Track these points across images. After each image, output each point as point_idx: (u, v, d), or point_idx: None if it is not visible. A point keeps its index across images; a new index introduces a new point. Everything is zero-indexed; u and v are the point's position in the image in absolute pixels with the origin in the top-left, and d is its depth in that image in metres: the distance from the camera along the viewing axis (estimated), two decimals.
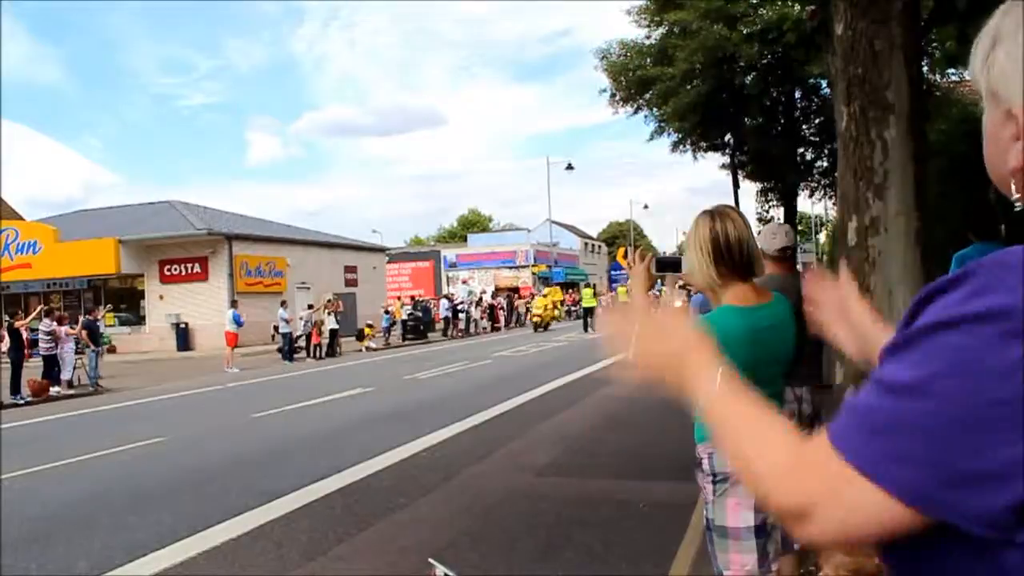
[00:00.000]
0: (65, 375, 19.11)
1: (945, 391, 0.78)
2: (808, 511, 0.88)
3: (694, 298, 9.19)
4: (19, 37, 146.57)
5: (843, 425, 0.87)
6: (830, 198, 28.69)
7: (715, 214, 2.85)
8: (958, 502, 0.78)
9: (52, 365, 18.79)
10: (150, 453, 10.13)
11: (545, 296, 40.12)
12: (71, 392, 18.82)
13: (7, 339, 18.28)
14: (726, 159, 24.22)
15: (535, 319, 37.17)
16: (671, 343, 1.18)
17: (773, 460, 0.93)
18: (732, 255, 2.77)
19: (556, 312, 41.18)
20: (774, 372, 2.86)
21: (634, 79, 21.55)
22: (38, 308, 19.70)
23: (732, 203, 13.82)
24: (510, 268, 61.22)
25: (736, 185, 24.72)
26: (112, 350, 25.94)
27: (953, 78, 17.86)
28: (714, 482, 2.87)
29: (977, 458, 0.76)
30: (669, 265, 3.20)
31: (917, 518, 0.81)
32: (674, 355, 1.17)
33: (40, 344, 18.77)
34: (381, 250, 47.36)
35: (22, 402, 17.33)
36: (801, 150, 23.44)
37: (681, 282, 3.62)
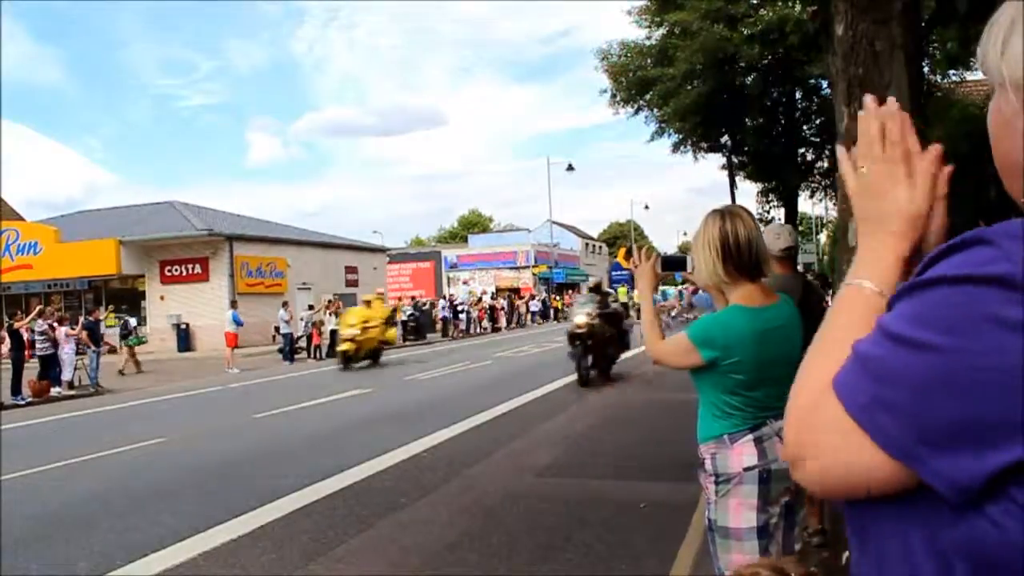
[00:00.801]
0: (66, 376, 19.12)
1: (934, 347, 0.78)
2: (804, 454, 0.89)
3: (699, 296, 9.18)
4: (20, 38, 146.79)
5: (844, 369, 0.88)
6: (831, 199, 28.69)
7: (725, 213, 2.85)
8: (933, 462, 0.78)
9: (48, 366, 18.79)
10: (151, 453, 10.13)
11: (367, 307, 23.52)
12: (72, 393, 18.82)
13: (7, 340, 18.29)
14: (726, 159, 24.20)
15: (346, 347, 21.99)
16: (887, 204, 1.02)
17: (797, 398, 0.94)
18: (741, 255, 2.77)
19: (384, 333, 23.59)
20: (782, 373, 2.86)
21: (635, 80, 21.53)
22: (36, 309, 19.70)
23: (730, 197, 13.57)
24: (511, 269, 61.25)
25: (733, 186, 24.71)
26: (113, 351, 25.93)
27: (954, 79, 17.89)
28: (716, 483, 2.87)
29: (956, 419, 0.76)
30: (675, 264, 3.20)
31: (902, 473, 0.81)
32: (878, 216, 1.03)
33: (36, 345, 18.78)
34: (382, 251, 47.41)
35: (23, 403, 17.33)
36: (802, 151, 23.42)
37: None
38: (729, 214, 2.85)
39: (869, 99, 1.07)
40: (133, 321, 26.43)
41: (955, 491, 0.77)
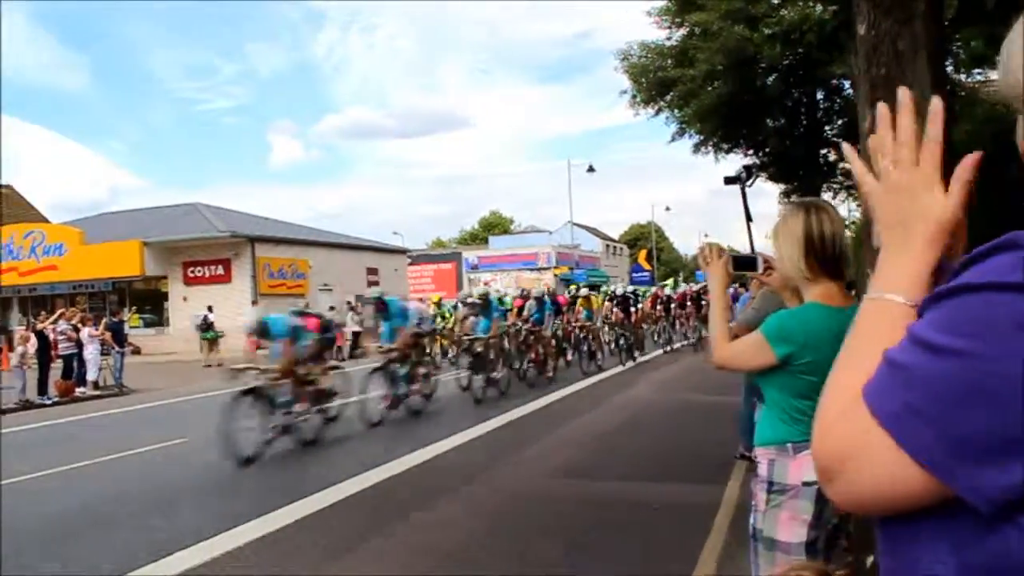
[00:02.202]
0: (91, 376, 19.30)
1: (960, 352, 0.77)
2: (833, 467, 0.87)
3: (743, 297, 9.01)
4: (48, 44, 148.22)
5: (874, 377, 0.85)
6: (853, 199, 28.46)
7: (810, 207, 2.75)
8: (963, 472, 0.76)
9: (71, 366, 18.97)
10: (173, 454, 10.21)
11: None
12: (97, 393, 19.00)
13: (34, 340, 18.50)
14: (748, 160, 24.08)
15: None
16: (917, 208, 0.96)
17: (825, 410, 0.91)
18: (825, 250, 2.65)
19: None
20: None
21: (655, 80, 21.43)
22: (59, 311, 19.95)
23: (742, 206, 13.26)
24: (532, 270, 61.19)
25: (744, 190, 24.57)
26: (137, 351, 26.19)
27: (979, 78, 17.72)
28: (769, 491, 2.75)
29: (985, 428, 0.75)
30: (745, 264, 3.06)
31: (932, 484, 0.79)
32: (904, 221, 0.97)
33: (59, 345, 18.98)
34: (403, 252, 47.51)
35: (49, 403, 17.53)
36: (824, 151, 23.25)
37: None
38: (815, 208, 2.74)
39: (905, 94, 1.01)
40: (212, 316, 26.88)
41: (986, 502, 0.76)
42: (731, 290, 29.54)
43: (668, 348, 24.65)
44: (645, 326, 25.03)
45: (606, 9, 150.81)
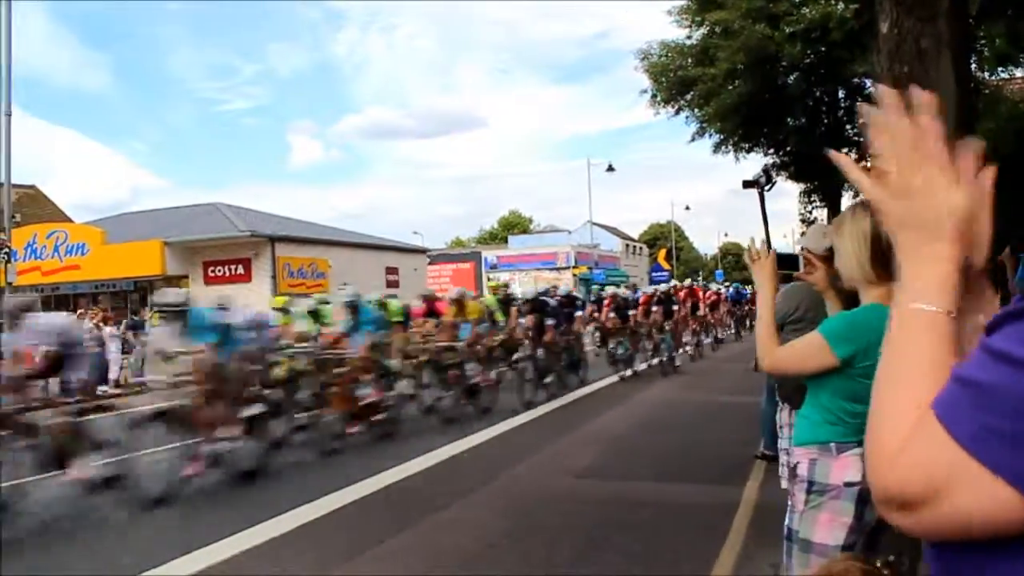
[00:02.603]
0: (112, 374, 19.47)
1: None
2: (902, 494, 0.81)
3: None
4: (71, 44, 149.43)
5: (946, 397, 0.80)
6: None
7: None
8: None
9: (95, 364, 19.13)
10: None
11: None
12: (118, 392, 19.15)
13: None
14: (768, 159, 23.95)
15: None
16: (933, 207, 0.91)
17: (883, 433, 0.85)
18: (892, 253, 2.55)
19: None
20: None
21: (675, 80, 21.38)
22: (79, 311, 20.18)
23: (760, 208, 12.94)
24: (551, 270, 61.14)
25: (763, 194, 24.42)
26: None
27: (1003, 76, 17.56)
28: (808, 491, 2.70)
29: None
30: (786, 263, 2.98)
31: (1022, 504, 0.73)
32: (921, 222, 0.92)
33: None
34: (422, 251, 47.56)
35: (72, 401, 17.64)
36: (845, 150, 23.09)
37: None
38: None
39: (886, 91, 0.94)
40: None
41: None
42: (731, 290, 28.35)
43: (654, 364, 18.32)
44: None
45: (624, 9, 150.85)
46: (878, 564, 1.23)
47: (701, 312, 24.30)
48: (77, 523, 6.90)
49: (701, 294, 25.34)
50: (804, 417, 2.80)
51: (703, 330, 23.98)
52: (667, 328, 18.55)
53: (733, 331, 30.67)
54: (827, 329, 2.67)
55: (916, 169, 0.92)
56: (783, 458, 4.78)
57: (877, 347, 0.87)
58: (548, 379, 13.78)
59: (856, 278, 2.66)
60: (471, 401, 12.16)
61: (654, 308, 18.52)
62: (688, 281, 27.00)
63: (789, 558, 2.76)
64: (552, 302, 15.06)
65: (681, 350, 20.11)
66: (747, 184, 14.24)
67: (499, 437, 10.37)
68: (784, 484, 4.78)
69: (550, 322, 14.12)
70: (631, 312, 18.04)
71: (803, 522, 2.70)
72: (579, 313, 16.67)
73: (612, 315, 17.73)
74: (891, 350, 0.91)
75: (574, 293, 19.90)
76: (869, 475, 0.86)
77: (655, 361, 18.21)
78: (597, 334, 20.04)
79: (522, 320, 14.24)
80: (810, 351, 2.69)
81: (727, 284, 38.55)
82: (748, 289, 37.96)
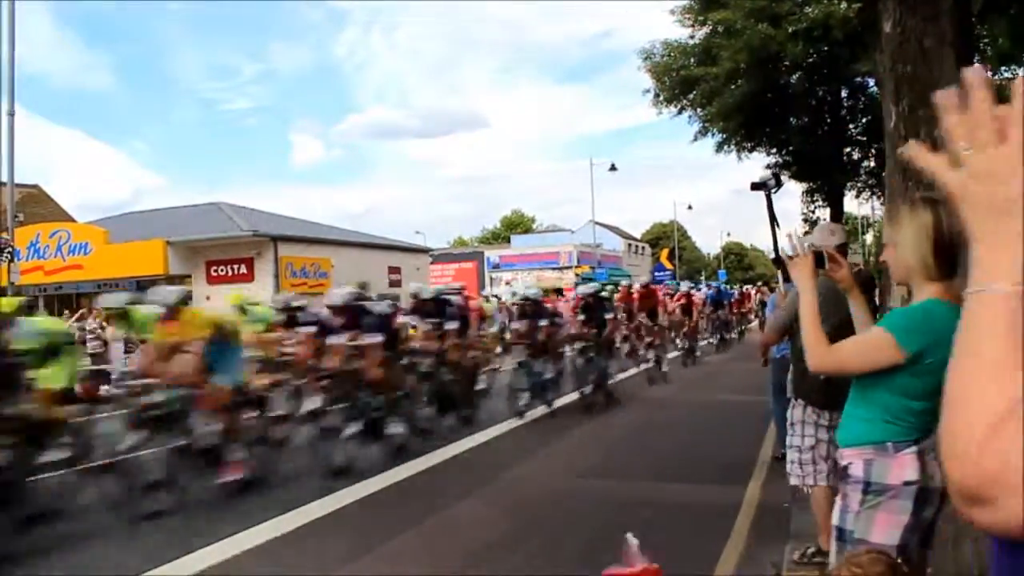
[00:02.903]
0: (115, 374, 19.48)
1: None
2: (994, 492, 0.77)
3: (770, 300, 8.82)
4: (73, 44, 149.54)
5: None
6: (877, 198, 28.26)
7: (940, 201, 2.52)
8: None
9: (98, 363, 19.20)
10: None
11: None
12: (119, 392, 19.15)
13: None
14: (771, 159, 23.95)
15: None
16: (1014, 188, 0.87)
17: (970, 427, 0.81)
18: (954, 249, 2.50)
19: None
20: None
21: (678, 79, 21.39)
22: (81, 311, 20.23)
23: (768, 211, 12.76)
24: (553, 269, 61.15)
25: (770, 196, 24.41)
26: None
27: (1006, 75, 17.53)
28: (866, 491, 2.66)
29: None
30: (818, 259, 2.91)
31: None
32: (1002, 204, 0.88)
33: (87, 343, 19.18)
34: (425, 251, 47.62)
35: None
36: (848, 150, 23.11)
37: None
38: (945, 203, 2.65)
39: (977, 71, 0.92)
40: None
41: None
42: (711, 291, 26.84)
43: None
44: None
45: (627, 9, 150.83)
46: (902, 565, 1.20)
47: (661, 319, 18.89)
48: (77, 523, 6.89)
49: (659, 295, 19.94)
50: (855, 417, 2.74)
51: (659, 343, 17.55)
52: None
53: (715, 340, 24.61)
54: (893, 325, 2.60)
55: (989, 152, 0.89)
56: (791, 455, 4.75)
57: (944, 343, 0.84)
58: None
59: (915, 272, 2.60)
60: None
61: (580, 317, 13.41)
62: (644, 279, 23.44)
63: (840, 557, 2.69)
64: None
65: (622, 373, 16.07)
66: (755, 186, 14.09)
67: (500, 436, 10.36)
68: (793, 481, 4.76)
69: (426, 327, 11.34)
70: (543, 323, 12.46)
71: (859, 522, 2.66)
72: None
73: (517, 326, 12.97)
74: (972, 335, 0.89)
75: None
76: (947, 468, 0.83)
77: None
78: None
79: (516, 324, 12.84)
80: (873, 349, 2.61)
81: (708, 284, 35.49)
82: (733, 289, 37.16)
